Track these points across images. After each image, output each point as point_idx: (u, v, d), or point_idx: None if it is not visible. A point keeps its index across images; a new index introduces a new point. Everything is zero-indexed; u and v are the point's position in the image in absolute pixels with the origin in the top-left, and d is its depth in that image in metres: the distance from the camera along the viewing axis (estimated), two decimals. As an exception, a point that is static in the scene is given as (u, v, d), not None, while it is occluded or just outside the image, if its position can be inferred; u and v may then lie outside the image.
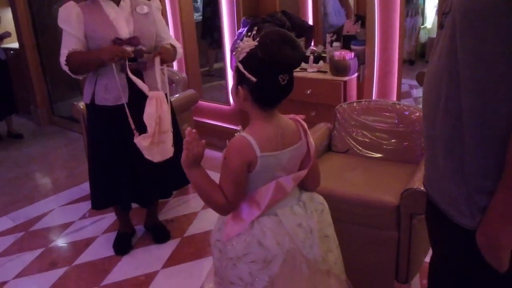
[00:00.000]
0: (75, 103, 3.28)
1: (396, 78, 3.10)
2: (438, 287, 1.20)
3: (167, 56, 2.44)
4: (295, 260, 1.48)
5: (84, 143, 3.45)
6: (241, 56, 1.40)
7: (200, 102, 3.91)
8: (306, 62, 3.27)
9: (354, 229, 2.00)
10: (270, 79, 1.37)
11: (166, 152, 2.44)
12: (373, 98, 3.10)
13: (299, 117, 1.54)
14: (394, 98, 3.09)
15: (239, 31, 3.60)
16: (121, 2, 2.42)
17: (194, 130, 1.43)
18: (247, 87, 1.39)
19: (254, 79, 1.36)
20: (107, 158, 2.51)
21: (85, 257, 2.77)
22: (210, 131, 4.09)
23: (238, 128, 1.49)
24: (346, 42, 3.36)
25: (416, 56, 3.94)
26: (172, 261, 2.69)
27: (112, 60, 2.26)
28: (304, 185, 1.59)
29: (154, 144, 2.36)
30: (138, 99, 2.36)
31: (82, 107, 3.23)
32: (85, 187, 3.58)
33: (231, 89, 1.48)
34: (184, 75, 3.70)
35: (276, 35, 1.35)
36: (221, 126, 4.12)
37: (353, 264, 1.97)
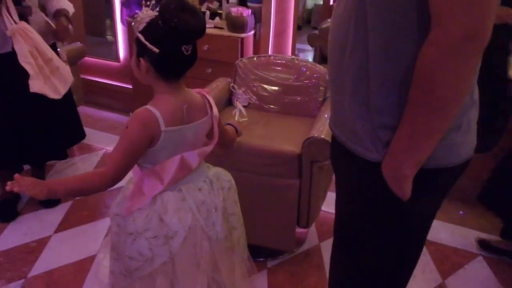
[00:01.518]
0: None
1: (290, 38, 3.17)
2: (346, 226, 1.25)
3: (69, 30, 2.28)
4: (197, 238, 1.47)
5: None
6: (141, 27, 1.34)
7: (86, 58, 3.66)
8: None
9: (258, 179, 2.04)
10: (172, 49, 1.32)
11: (66, 78, 2.27)
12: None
13: (205, 91, 1.52)
14: (289, 56, 3.17)
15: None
16: None
17: (9, 183, 1.25)
18: (149, 59, 1.34)
19: (156, 50, 1.30)
20: None
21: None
22: (99, 89, 3.88)
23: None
24: (242, 0, 3.34)
25: (302, 22, 4.05)
26: (64, 225, 2.54)
27: None
28: (219, 147, 1.59)
29: (49, 78, 2.18)
30: None
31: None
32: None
33: (132, 62, 1.40)
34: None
35: (177, 4, 1.29)
36: (110, 84, 3.91)
37: (257, 212, 2.03)
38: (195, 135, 1.45)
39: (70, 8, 2.40)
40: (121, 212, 1.47)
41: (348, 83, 1.06)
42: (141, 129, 1.33)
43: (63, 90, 2.26)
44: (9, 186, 1.24)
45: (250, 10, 3.15)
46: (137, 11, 1.38)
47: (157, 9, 1.34)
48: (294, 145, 2.01)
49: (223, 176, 1.58)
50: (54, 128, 2.45)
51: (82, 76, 3.68)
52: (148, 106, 1.36)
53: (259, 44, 3.23)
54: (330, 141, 1.85)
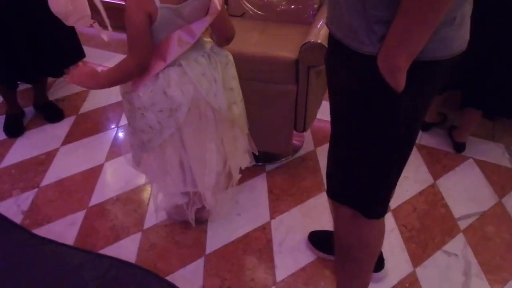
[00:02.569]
0: None
1: None
2: (340, 120, 1.32)
3: None
4: (200, 108, 1.57)
5: None
6: None
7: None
8: None
9: (256, 86, 2.11)
10: None
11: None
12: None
13: None
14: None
15: None
16: None
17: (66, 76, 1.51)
18: None
19: None
20: None
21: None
22: (92, 6, 3.80)
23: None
24: None
25: None
26: (70, 138, 2.64)
27: None
28: (216, 38, 1.63)
29: None
30: None
31: None
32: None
33: None
34: None
35: None
36: (104, 1, 3.84)
37: (256, 119, 2.12)
38: (191, 12, 1.47)
39: None
40: (129, 89, 1.57)
41: None
42: (136, 7, 1.37)
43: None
44: (68, 78, 1.49)
45: None
46: None
47: None
48: (290, 51, 2.05)
49: (221, 52, 1.65)
50: (49, 45, 2.44)
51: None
52: None
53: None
54: (325, 45, 1.92)
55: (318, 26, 2.11)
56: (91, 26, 2.13)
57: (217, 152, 1.68)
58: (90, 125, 2.73)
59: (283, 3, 2.42)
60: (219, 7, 1.51)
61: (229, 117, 1.68)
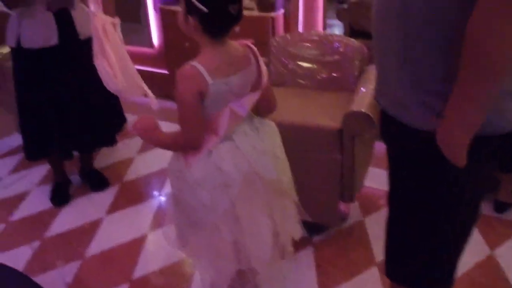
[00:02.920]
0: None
1: (320, 14, 3.17)
2: (401, 197, 1.27)
3: None
4: (252, 182, 1.55)
5: (2, 97, 3.21)
6: None
7: (122, 46, 3.75)
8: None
9: (301, 155, 2.09)
10: (220, 10, 1.36)
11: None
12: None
13: (249, 42, 1.55)
14: (321, 32, 3.18)
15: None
16: None
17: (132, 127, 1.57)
18: (197, 17, 1.37)
19: (204, 9, 1.34)
20: (40, 104, 2.37)
21: (21, 213, 2.65)
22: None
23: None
24: (270, -22, 3.35)
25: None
26: (115, 207, 2.66)
27: None
28: (259, 110, 1.63)
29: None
30: (70, 40, 2.24)
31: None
32: (7, 142, 3.38)
33: (179, 18, 1.44)
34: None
35: None
36: (146, 70, 3.99)
37: (301, 188, 2.08)
38: (241, 85, 1.49)
39: None
40: (180, 166, 1.55)
41: (394, 52, 1.09)
42: (187, 87, 1.40)
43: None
44: (132, 126, 1.55)
45: (279, -11, 3.17)
46: None
47: None
48: (334, 120, 2.05)
49: (268, 124, 1.65)
50: (100, 115, 2.54)
51: (119, 63, 3.76)
52: (192, 62, 1.40)
53: (289, 22, 3.24)
54: (370, 115, 1.91)
55: (361, 94, 2.11)
56: (144, 96, 2.19)
57: (270, 225, 1.64)
58: (133, 194, 2.76)
59: (323, 71, 2.45)
60: (266, 80, 1.53)
61: (279, 188, 1.65)
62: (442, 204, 1.16)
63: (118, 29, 2.24)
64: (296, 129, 2.07)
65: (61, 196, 2.72)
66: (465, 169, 1.05)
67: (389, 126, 1.22)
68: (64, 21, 2.26)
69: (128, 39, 3.91)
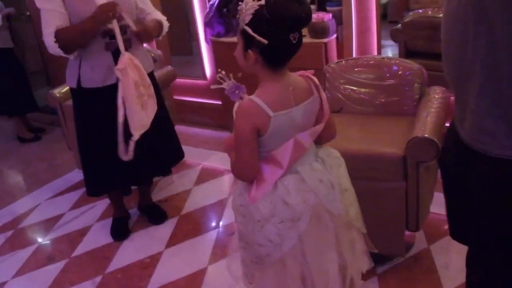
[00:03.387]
0: (50, 91, 3.15)
1: (375, 36, 3.10)
2: (485, 232, 1.17)
3: (153, 33, 2.36)
4: (320, 216, 1.49)
5: (64, 134, 3.33)
6: (247, 19, 1.34)
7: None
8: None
9: (363, 184, 1.99)
10: (281, 39, 1.33)
11: (147, 121, 2.31)
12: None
13: (309, 73, 1.52)
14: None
15: (210, 2, 3.51)
16: None
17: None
18: (258, 50, 1.35)
19: (265, 41, 1.31)
20: (101, 142, 2.40)
21: (83, 248, 2.70)
22: (189, 108, 4.02)
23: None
24: (321, 4, 3.34)
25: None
26: (174, 240, 2.66)
27: (107, 18, 2.13)
28: (320, 139, 1.58)
29: (146, 105, 2.26)
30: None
31: (58, 95, 3.11)
32: (69, 178, 3.49)
33: (238, 53, 1.42)
34: (159, 52, 3.58)
35: None
36: (200, 102, 4.05)
37: (364, 217, 2.00)
38: (304, 117, 1.46)
39: (164, 21, 2.48)
40: (245, 201, 1.51)
41: (474, 80, 1.03)
42: (245, 120, 1.38)
43: (151, 118, 2.33)
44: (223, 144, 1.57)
45: (330, 14, 3.14)
46: (240, 3, 1.39)
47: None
48: (396, 147, 1.96)
49: (333, 154, 1.59)
50: (158, 149, 2.55)
51: (174, 97, 3.84)
52: (252, 97, 1.38)
53: (342, 47, 3.20)
54: (435, 140, 1.82)
55: (422, 118, 2.02)
56: None
57: (337, 260, 1.56)
58: (192, 226, 2.75)
59: (382, 95, 2.37)
60: (328, 109, 1.49)
61: (347, 221, 1.58)
62: None
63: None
64: (357, 158, 1.99)
65: (121, 230, 2.76)
66: None
67: (465, 156, 1.14)
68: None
69: (181, 71, 4.05)
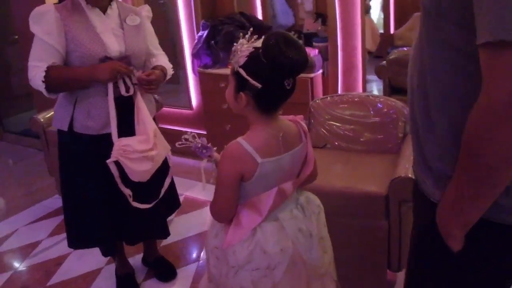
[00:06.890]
0: (34, 116, 3.12)
1: (360, 73, 3.16)
2: (413, 264, 1.23)
3: (159, 85, 2.11)
4: (296, 265, 1.46)
5: (46, 160, 3.28)
6: (242, 61, 1.31)
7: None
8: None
9: (344, 222, 2.01)
10: (276, 85, 1.30)
11: (165, 147, 2.12)
12: (339, 93, 3.15)
13: (299, 118, 1.50)
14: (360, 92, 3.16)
15: (199, 34, 3.55)
16: (108, 9, 2.00)
17: None
18: (250, 93, 1.32)
19: (258, 85, 1.29)
20: (86, 190, 2.10)
21: (58, 277, 2.62)
22: (174, 137, 3.98)
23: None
24: (307, 40, 3.39)
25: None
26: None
27: (113, 79, 1.91)
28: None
29: (157, 150, 2.04)
30: (126, 127, 2.00)
31: (42, 119, 3.08)
32: (47, 204, 3.42)
33: (229, 95, 1.39)
34: (158, 97, 3.56)
35: (280, 38, 1.27)
36: (184, 131, 4.01)
37: (345, 256, 1.99)
38: (292, 164, 1.43)
39: (169, 69, 2.24)
40: (220, 244, 1.46)
41: (418, 126, 1.07)
42: (230, 164, 1.35)
43: (137, 178, 2.03)
44: None
45: (316, 50, 3.19)
46: (235, 44, 1.37)
47: (255, 41, 1.32)
48: (379, 185, 1.97)
49: (313, 201, 1.56)
50: (155, 208, 2.18)
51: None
52: (240, 140, 1.35)
53: (327, 82, 3.24)
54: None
55: (406, 158, 2.04)
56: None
57: None
58: (172, 258, 2.68)
59: (366, 133, 2.40)
60: (313, 156, 1.48)
61: (321, 271, 1.55)
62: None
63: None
64: (340, 195, 2.00)
65: (129, 286, 2.45)
66: (467, 257, 1.00)
67: (416, 192, 1.17)
68: (123, 106, 2.00)
69: (167, 99, 4.05)
